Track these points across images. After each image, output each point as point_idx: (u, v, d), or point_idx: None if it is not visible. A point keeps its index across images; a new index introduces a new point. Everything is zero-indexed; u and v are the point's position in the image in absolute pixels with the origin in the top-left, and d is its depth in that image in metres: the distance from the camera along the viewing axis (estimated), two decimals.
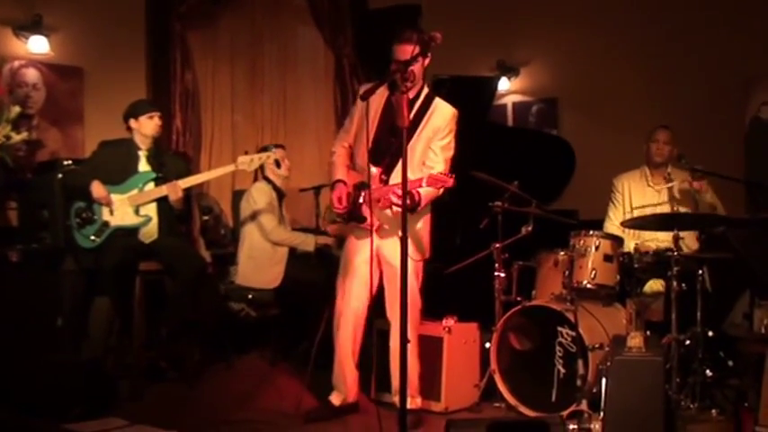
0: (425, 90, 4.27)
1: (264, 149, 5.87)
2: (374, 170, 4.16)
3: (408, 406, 3.72)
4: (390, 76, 3.89)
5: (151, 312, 5.13)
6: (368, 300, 4.39)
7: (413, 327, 4.17)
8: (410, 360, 4.08)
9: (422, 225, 4.34)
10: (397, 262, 4.16)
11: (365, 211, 4.25)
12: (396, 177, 4.12)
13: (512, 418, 4.36)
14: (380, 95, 4.25)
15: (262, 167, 5.63)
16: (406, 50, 3.94)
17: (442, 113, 4.24)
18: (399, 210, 4.01)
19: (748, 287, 5.04)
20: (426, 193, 4.10)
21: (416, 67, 4.10)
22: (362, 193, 4.26)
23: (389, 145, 4.18)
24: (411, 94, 4.18)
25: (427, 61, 4.19)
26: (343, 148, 4.43)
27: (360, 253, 4.35)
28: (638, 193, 5.20)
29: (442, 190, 4.13)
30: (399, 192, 3.93)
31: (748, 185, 6.02)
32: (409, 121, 3.46)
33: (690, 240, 4.96)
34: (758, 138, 6.47)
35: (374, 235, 4.19)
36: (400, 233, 4.10)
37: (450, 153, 4.26)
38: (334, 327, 4.46)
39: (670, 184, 5.01)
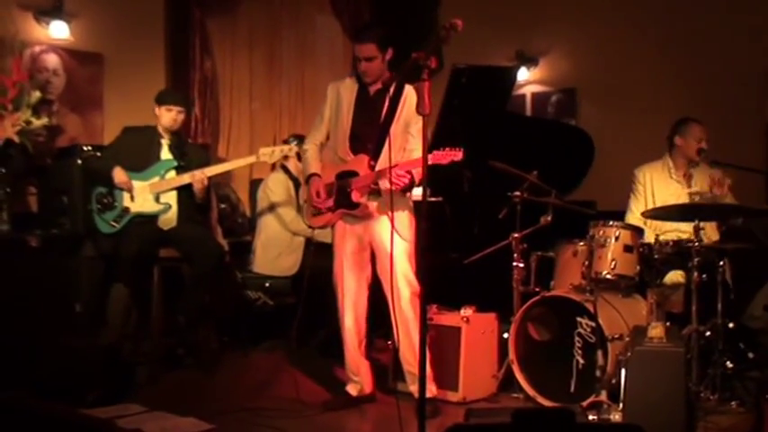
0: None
1: (295, 138, 5.85)
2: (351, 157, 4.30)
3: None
4: (411, 65, 3.93)
5: (169, 299, 5.15)
6: (366, 288, 4.43)
7: (415, 312, 4.19)
8: (418, 348, 4.07)
9: (411, 207, 4.36)
10: (387, 246, 4.19)
11: (356, 197, 4.29)
12: (383, 164, 4.17)
13: (534, 406, 4.33)
14: (351, 89, 4.38)
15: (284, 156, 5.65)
16: (365, 49, 4.19)
17: (414, 99, 4.24)
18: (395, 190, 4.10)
19: None
20: (418, 172, 4.10)
21: (375, 64, 4.22)
22: (352, 181, 4.29)
23: (369, 134, 4.27)
24: (378, 86, 4.30)
25: (388, 55, 4.26)
26: (315, 145, 4.49)
27: (350, 242, 4.40)
28: (661, 186, 5.13)
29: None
30: (398, 173, 4.06)
31: None
32: (430, 109, 3.43)
33: (710, 231, 4.91)
34: None
35: (364, 221, 4.30)
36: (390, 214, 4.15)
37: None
38: (339, 320, 4.48)
39: (691, 190, 4.97)
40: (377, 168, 4.21)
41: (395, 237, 4.13)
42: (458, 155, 3.97)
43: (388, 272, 4.23)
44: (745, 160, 5.10)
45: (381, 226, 4.26)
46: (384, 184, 4.17)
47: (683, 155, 5.10)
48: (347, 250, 4.41)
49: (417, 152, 4.12)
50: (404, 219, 4.28)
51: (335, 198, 4.35)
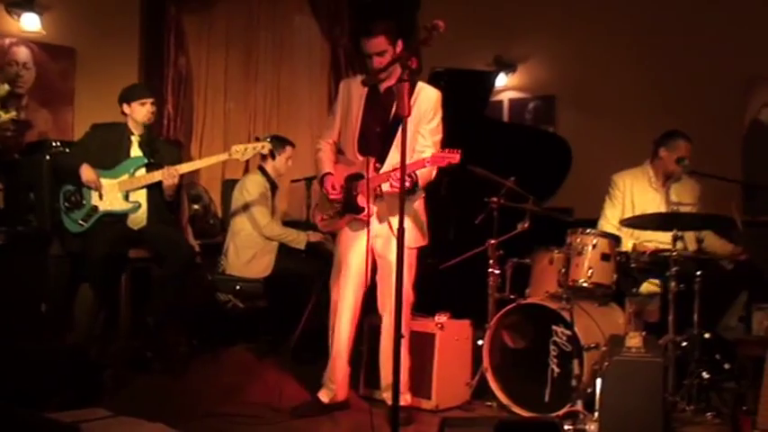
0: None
1: (278, 140, 5.77)
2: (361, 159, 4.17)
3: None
4: (393, 63, 3.89)
5: (137, 301, 5.06)
6: (362, 294, 4.32)
7: (404, 322, 4.08)
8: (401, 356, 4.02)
9: (415, 211, 4.23)
10: (390, 254, 4.11)
11: (361, 201, 4.17)
12: (389, 165, 4.09)
13: (515, 417, 4.27)
14: (362, 87, 4.22)
15: (263, 157, 5.57)
16: (375, 44, 4.03)
17: (427, 97, 4.16)
18: (395, 193, 3.94)
19: (747, 289, 4.99)
20: (422, 174, 4.03)
21: (387, 59, 4.03)
22: (358, 184, 4.17)
23: (377, 134, 4.16)
24: (391, 82, 4.15)
25: (398, 48, 4.09)
26: (328, 144, 4.38)
27: (353, 247, 4.28)
28: (641, 194, 5.10)
29: (435, 172, 4.08)
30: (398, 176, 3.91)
31: (746, 187, 5.96)
32: (410, 111, 3.37)
33: (689, 242, 4.88)
34: (757, 140, 6.41)
35: (369, 226, 4.13)
36: (392, 221, 4.05)
37: (439, 136, 4.16)
38: (330, 323, 4.37)
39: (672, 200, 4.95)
40: (382, 170, 4.09)
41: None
42: (455, 157, 3.82)
43: (386, 279, 4.15)
44: (723, 169, 5.10)
45: (383, 232, 4.13)
46: (386, 187, 4.07)
47: (664, 167, 5.07)
48: (350, 257, 4.28)
49: (427, 154, 3.99)
50: (409, 225, 4.00)
51: (343, 202, 4.25)
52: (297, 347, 5.43)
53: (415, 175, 3.99)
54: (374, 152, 4.14)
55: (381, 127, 4.16)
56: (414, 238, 4.15)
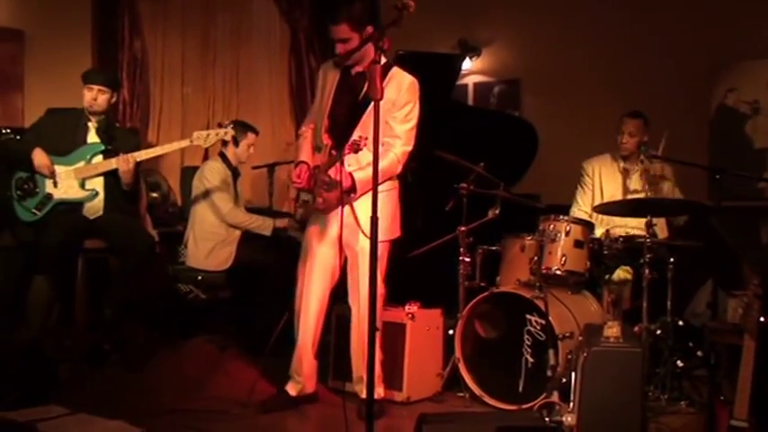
0: (382, 61, 3.99)
1: (241, 126, 5.57)
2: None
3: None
4: (362, 45, 3.76)
5: (94, 292, 4.89)
6: (330, 286, 4.20)
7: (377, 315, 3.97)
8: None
9: (383, 203, 3.94)
10: (356, 244, 4.01)
11: (316, 190, 4.05)
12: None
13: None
14: (336, 69, 4.12)
15: (224, 143, 5.42)
16: (337, 31, 3.90)
17: (398, 83, 4.01)
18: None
19: (712, 276, 4.97)
20: (366, 176, 3.80)
21: (351, 45, 3.91)
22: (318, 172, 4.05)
23: (344, 118, 4.03)
24: (361, 68, 4.02)
25: (367, 34, 3.95)
26: (310, 129, 4.24)
27: (320, 237, 4.15)
28: (609, 180, 5.05)
29: (399, 166, 4.01)
30: (325, 179, 3.88)
31: (712, 172, 5.92)
32: (382, 93, 3.23)
33: (660, 228, 4.83)
34: (724, 124, 6.40)
35: (336, 216, 3.99)
36: (360, 215, 3.92)
37: (410, 125, 4.02)
38: (296, 314, 4.23)
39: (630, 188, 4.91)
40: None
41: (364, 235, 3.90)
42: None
43: (354, 270, 4.05)
44: (689, 155, 5.05)
45: (349, 223, 3.94)
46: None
47: (619, 149, 5.03)
48: (316, 246, 4.15)
49: (395, 144, 3.91)
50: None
51: (311, 186, 4.08)
52: (258, 339, 5.28)
53: (351, 177, 3.89)
54: (338, 137, 4.00)
55: (349, 111, 4.03)
56: (382, 230, 3.92)
